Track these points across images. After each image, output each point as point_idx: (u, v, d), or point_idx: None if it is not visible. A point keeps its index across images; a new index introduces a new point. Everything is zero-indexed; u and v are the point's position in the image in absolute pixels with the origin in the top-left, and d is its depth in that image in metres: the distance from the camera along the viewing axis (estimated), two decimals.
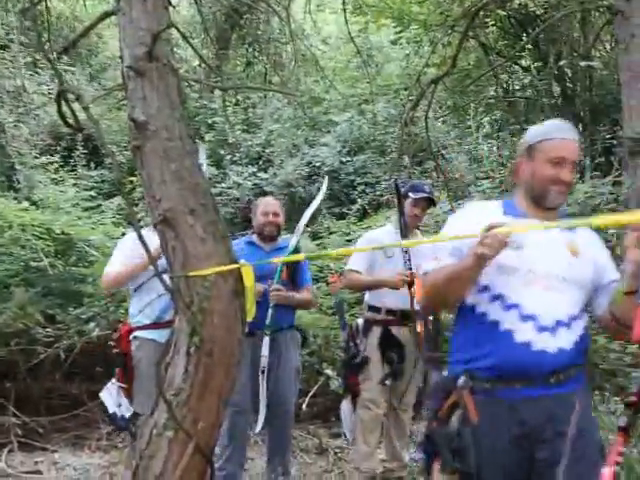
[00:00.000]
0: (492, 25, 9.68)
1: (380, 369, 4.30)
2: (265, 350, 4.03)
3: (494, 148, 9.80)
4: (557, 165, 2.21)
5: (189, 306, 2.50)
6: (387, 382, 4.29)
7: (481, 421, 2.08)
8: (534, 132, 2.32)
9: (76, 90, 3.42)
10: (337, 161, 9.74)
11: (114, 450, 5.20)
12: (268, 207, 4.30)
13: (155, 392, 2.55)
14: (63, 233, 6.43)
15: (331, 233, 8.13)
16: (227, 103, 10.45)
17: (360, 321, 4.48)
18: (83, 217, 7.16)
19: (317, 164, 9.70)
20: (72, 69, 10.76)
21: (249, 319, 2.70)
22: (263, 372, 4.03)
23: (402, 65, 11.23)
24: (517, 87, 10.44)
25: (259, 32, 12.30)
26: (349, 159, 9.89)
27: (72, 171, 8.96)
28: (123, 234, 5.91)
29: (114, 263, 3.93)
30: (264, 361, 4.03)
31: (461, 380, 2.14)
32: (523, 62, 10.01)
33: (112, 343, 3.91)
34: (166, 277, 2.58)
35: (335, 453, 5.25)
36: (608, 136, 7.97)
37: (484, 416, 2.09)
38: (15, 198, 7.49)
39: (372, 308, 4.45)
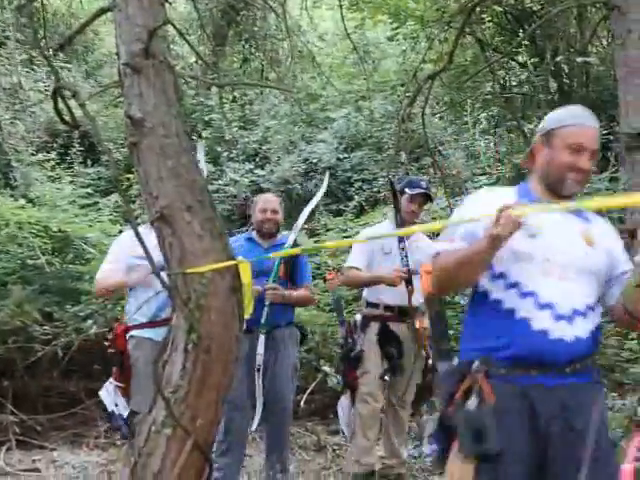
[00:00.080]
0: (489, 21, 9.67)
1: (379, 365, 4.31)
2: (260, 348, 4.03)
3: (491, 144, 9.80)
4: (575, 152, 2.16)
5: (186, 303, 2.50)
6: (386, 377, 4.30)
7: (497, 404, 2.03)
8: (553, 117, 2.27)
9: (72, 87, 3.42)
10: (334, 158, 9.73)
11: (112, 448, 5.20)
12: (267, 204, 4.29)
13: (153, 390, 2.54)
14: (60, 231, 6.43)
15: (328, 230, 8.13)
16: (224, 100, 10.45)
17: (358, 317, 4.49)
18: (80, 214, 7.14)
19: (314, 161, 9.70)
20: (68, 66, 10.74)
21: (247, 316, 2.70)
22: (259, 370, 4.04)
23: (399, 61, 11.22)
24: (514, 83, 10.42)
25: (256, 29, 12.28)
26: (346, 156, 9.88)
27: (69, 168, 8.94)
28: (120, 231, 5.91)
29: (105, 270, 3.94)
30: (259, 359, 4.03)
31: (476, 364, 2.09)
32: (520, 58, 9.99)
33: (107, 343, 3.89)
34: (163, 274, 2.57)
35: (333, 450, 5.26)
36: (605, 132, 7.93)
37: (499, 399, 2.04)
38: (12, 196, 7.47)
39: (370, 304, 4.46)
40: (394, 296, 4.31)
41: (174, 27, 3.06)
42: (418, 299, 4.21)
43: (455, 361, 2.29)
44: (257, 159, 9.97)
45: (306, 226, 7.59)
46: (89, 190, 8.28)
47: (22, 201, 6.93)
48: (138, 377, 3.72)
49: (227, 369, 2.57)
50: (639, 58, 4.96)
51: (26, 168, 8.38)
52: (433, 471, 4.54)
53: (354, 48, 7.69)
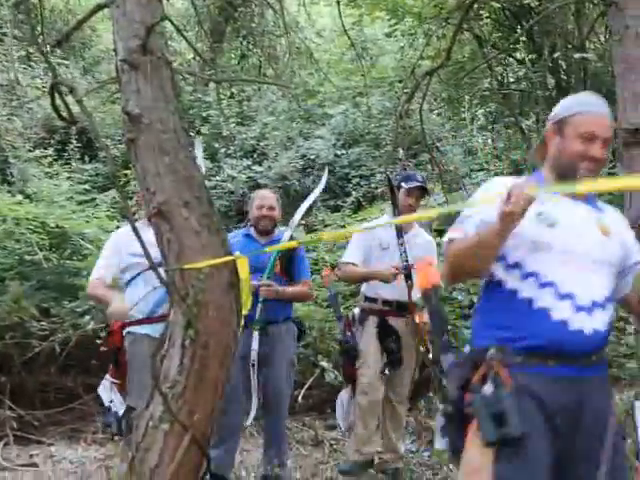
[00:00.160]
0: (486, 17, 9.66)
1: (379, 359, 4.33)
2: (255, 344, 4.04)
3: (489, 140, 9.82)
4: (587, 141, 2.14)
5: (184, 299, 2.50)
6: (386, 371, 4.32)
7: (513, 390, 2.00)
8: (565, 105, 2.24)
9: (70, 83, 3.41)
10: (332, 154, 9.74)
11: (110, 443, 5.20)
12: (264, 201, 4.29)
13: (150, 386, 2.55)
14: (57, 227, 6.43)
15: (326, 226, 8.15)
16: (221, 96, 10.45)
17: (356, 311, 4.51)
18: (77, 210, 7.15)
19: (312, 157, 9.71)
20: (66, 62, 10.75)
21: (245, 311, 2.70)
22: (253, 366, 4.04)
23: (396, 58, 11.22)
24: (512, 79, 10.43)
25: (253, 25, 12.27)
26: (344, 152, 9.89)
27: (66, 164, 8.94)
28: (117, 227, 5.91)
29: (99, 267, 3.94)
30: (254, 355, 4.04)
31: (491, 351, 2.06)
32: (517, 54, 10.00)
33: (100, 341, 3.85)
34: (161, 270, 2.58)
35: (330, 445, 5.27)
36: None
37: (515, 385, 2.01)
38: (9, 192, 7.48)
39: (368, 299, 4.47)
40: (392, 291, 4.32)
41: (172, 23, 3.05)
42: (417, 294, 4.22)
43: (467, 349, 2.25)
44: (255, 155, 9.97)
45: (303, 222, 7.61)
46: (86, 186, 8.28)
47: (19, 197, 6.93)
48: (135, 373, 3.71)
49: (224, 364, 2.57)
50: (637, 54, 4.96)
51: (23, 164, 8.39)
52: (446, 464, 4.52)
53: (352, 44, 7.67)
